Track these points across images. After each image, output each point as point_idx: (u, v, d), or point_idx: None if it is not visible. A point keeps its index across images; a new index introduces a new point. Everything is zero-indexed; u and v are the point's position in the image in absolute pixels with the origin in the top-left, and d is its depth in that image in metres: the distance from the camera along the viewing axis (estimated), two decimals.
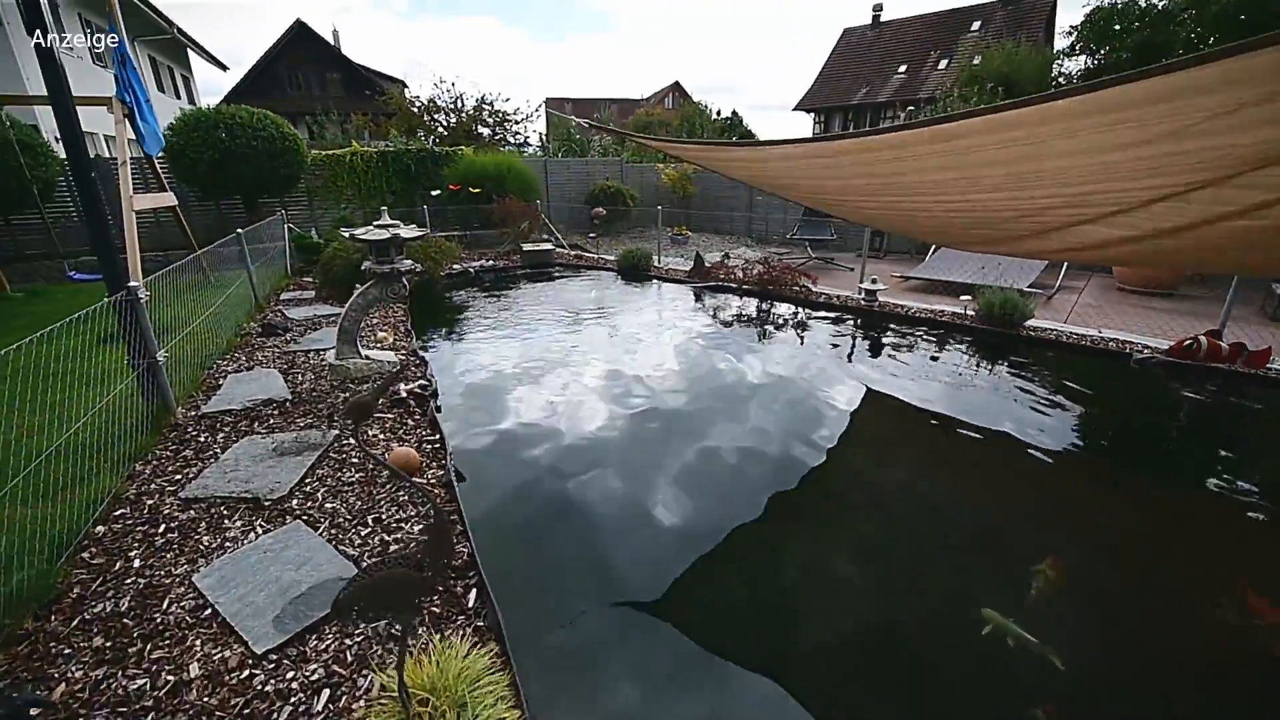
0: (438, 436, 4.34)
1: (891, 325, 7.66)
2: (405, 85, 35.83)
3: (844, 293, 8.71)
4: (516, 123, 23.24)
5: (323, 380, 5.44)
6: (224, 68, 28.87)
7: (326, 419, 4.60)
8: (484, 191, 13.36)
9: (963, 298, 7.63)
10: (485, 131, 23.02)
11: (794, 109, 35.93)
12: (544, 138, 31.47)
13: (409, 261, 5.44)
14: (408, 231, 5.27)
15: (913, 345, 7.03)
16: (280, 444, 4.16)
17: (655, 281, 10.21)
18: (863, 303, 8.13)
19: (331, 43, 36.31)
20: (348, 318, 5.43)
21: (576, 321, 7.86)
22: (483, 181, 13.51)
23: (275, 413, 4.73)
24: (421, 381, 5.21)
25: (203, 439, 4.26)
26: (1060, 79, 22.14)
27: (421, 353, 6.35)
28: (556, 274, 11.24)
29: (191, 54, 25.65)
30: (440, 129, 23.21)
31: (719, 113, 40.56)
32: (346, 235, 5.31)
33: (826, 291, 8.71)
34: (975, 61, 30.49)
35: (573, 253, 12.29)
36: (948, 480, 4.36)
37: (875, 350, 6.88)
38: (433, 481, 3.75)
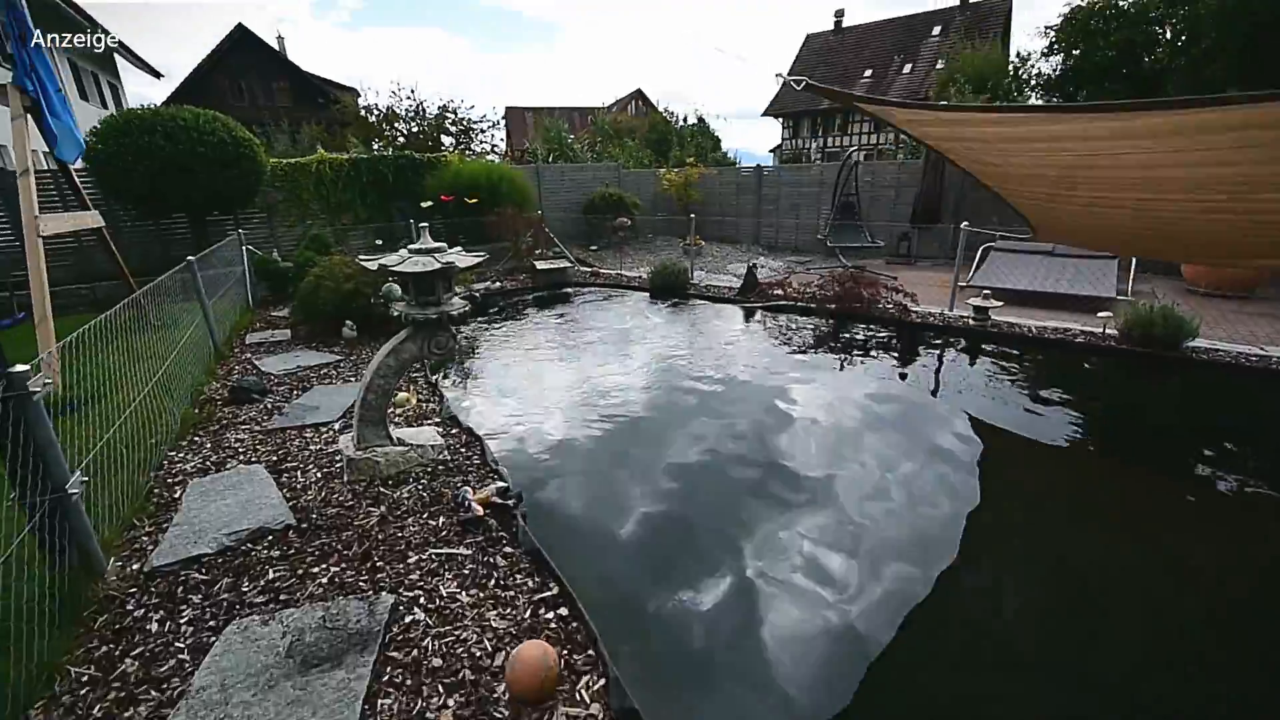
0: (554, 589, 2.63)
1: (1014, 349, 6.30)
2: (359, 94, 33.27)
3: (938, 309, 7.30)
4: (482, 131, 21.41)
5: (339, 482, 3.62)
6: (157, 75, 25.81)
7: (368, 568, 2.81)
8: (480, 203, 11.50)
9: (1100, 314, 6.30)
10: (449, 141, 21.08)
11: (763, 114, 35.05)
12: (509, 148, 29.50)
13: (460, 300, 3.69)
14: (464, 258, 3.53)
15: (1064, 380, 5.67)
16: (298, 636, 2.37)
17: (697, 302, 8.62)
18: (971, 322, 6.76)
19: (277, 49, 33.35)
20: (373, 388, 3.63)
21: (628, 361, 6.18)
22: (474, 191, 11.65)
23: (275, 555, 2.90)
24: (499, 484, 3.44)
25: (152, 632, 2.42)
26: (1031, 80, 21.76)
27: (465, 422, 4.56)
28: (575, 296, 9.51)
29: (120, 61, 22.65)
30: (400, 138, 21.14)
31: (684, 120, 39.45)
32: (370, 264, 3.51)
33: (925, 310, 7.28)
34: (939, 66, 30.32)
35: (588, 270, 10.52)
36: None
37: (1031, 390, 5.45)
38: (592, 697, 2.05)
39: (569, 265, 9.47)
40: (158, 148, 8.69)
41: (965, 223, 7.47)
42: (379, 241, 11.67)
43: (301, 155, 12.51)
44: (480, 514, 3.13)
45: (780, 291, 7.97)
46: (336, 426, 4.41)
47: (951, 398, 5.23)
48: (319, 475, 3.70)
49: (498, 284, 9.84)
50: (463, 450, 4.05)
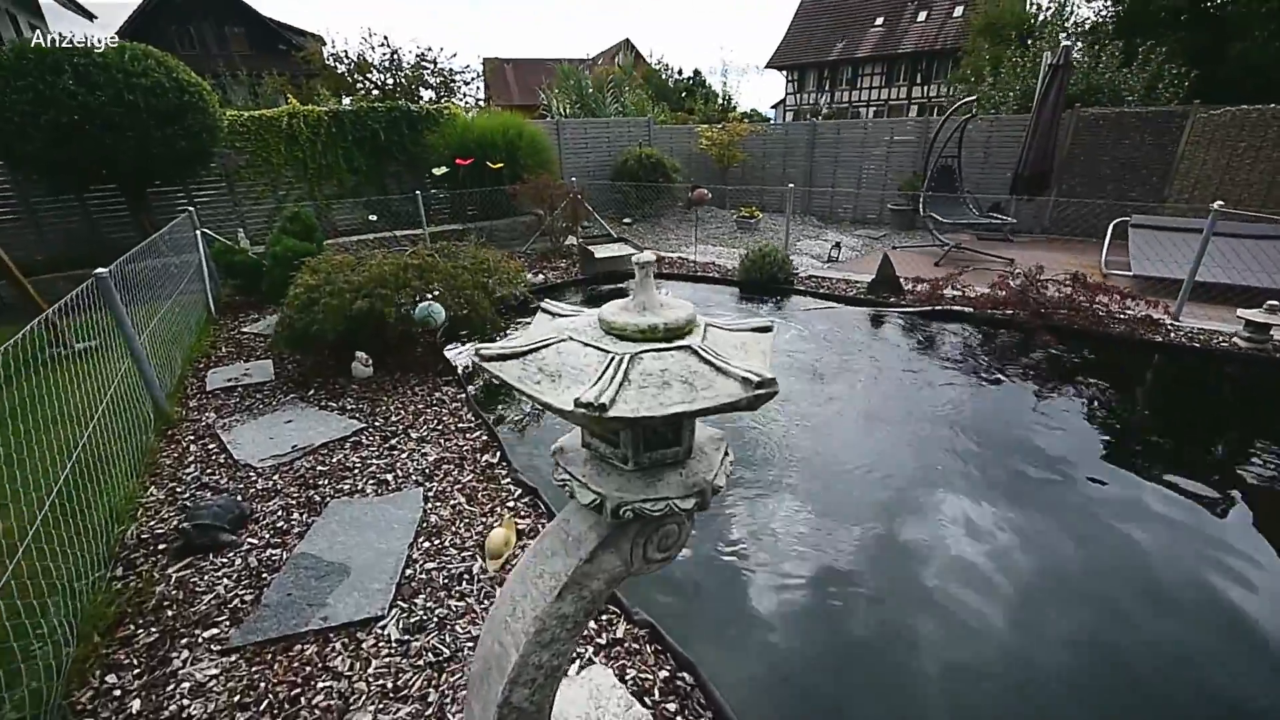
0: None
1: None
2: (324, 41, 29.13)
3: (1206, 325, 5.21)
4: (467, 83, 18.40)
5: None
6: (90, 16, 21.88)
7: None
8: (504, 168, 9.00)
9: None
10: (428, 94, 18.05)
11: (766, 66, 32.04)
12: (490, 104, 26.22)
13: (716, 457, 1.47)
14: (753, 355, 1.30)
15: None
16: None
17: (807, 303, 6.43)
18: (1241, 344, 4.75)
19: None
20: (524, 678, 1.42)
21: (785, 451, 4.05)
22: (489, 152, 9.12)
23: None
24: None
25: None
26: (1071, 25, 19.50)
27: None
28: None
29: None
30: (375, 91, 18.05)
31: (679, 72, 36.09)
32: (546, 398, 1.25)
33: (1189, 324, 5.20)
34: (956, 14, 27.58)
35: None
36: None
37: None
38: None
39: (631, 251, 7.20)
40: (67, 94, 6.03)
41: (1218, 203, 5.35)
42: (373, 217, 9.15)
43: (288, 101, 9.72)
44: None
45: (948, 291, 5.78)
46: (390, 632, 2.22)
47: None
48: None
49: (538, 275, 7.48)
50: None
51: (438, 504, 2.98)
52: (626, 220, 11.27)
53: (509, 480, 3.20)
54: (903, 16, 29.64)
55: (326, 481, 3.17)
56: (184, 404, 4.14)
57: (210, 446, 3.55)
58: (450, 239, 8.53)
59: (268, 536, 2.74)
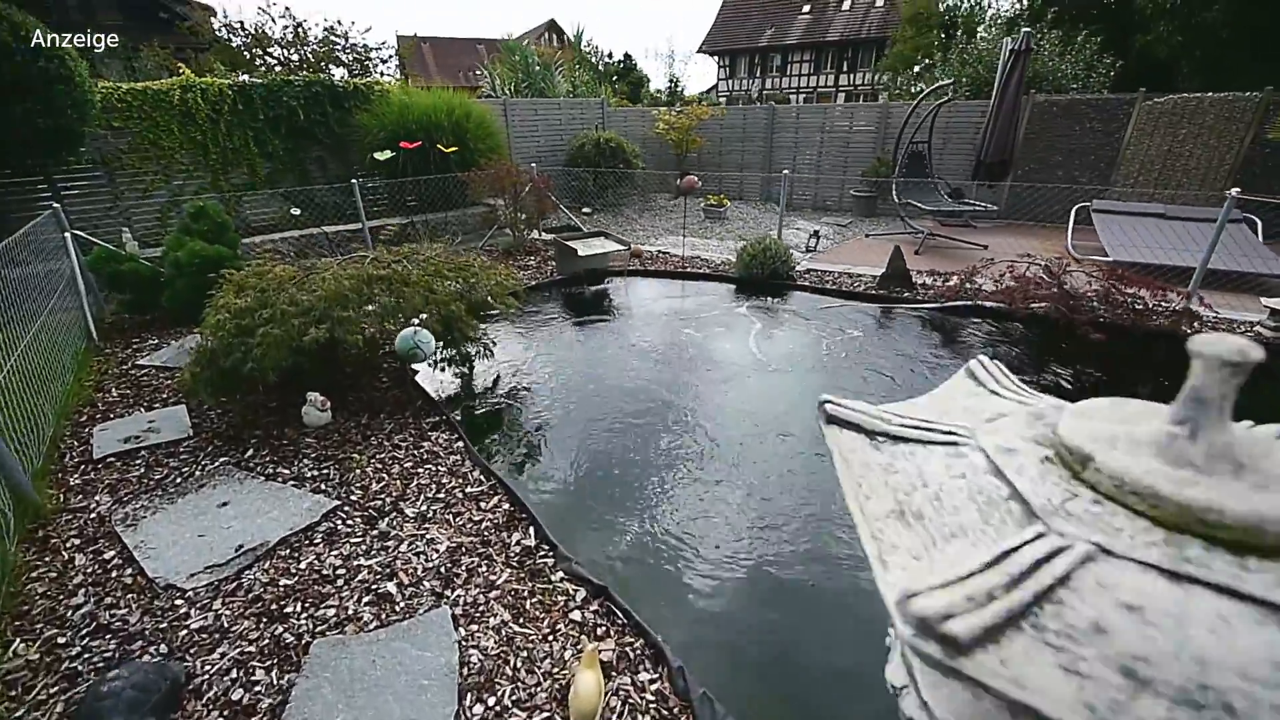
0: None
1: None
2: (214, 11, 25.50)
3: (1233, 315, 4.97)
4: (384, 60, 16.57)
5: None
6: None
7: None
8: (458, 153, 7.80)
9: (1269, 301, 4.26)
10: (341, 73, 16.09)
11: (698, 50, 31.46)
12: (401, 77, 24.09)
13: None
14: None
15: None
16: None
17: (816, 299, 5.84)
18: (1267, 333, 4.58)
19: None
20: None
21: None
22: (435, 134, 7.88)
23: None
24: None
25: None
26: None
27: None
28: (617, 291, 6.39)
29: None
30: (278, 68, 15.87)
31: (610, 55, 34.83)
32: None
33: (1226, 315, 4.92)
34: (879, 3, 28.09)
35: (630, 253, 7.04)
36: None
37: None
38: None
39: (618, 247, 6.27)
40: None
41: (1235, 190, 5.16)
42: (296, 211, 7.71)
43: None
44: None
45: (965, 286, 5.33)
46: None
47: None
48: None
49: None
50: None
51: (475, 628, 2.08)
52: (586, 210, 10.29)
53: (562, 575, 2.33)
54: (829, 5, 29.87)
55: (299, 606, 2.17)
56: (61, 484, 2.92)
57: (107, 555, 2.43)
58: (390, 235, 7.29)
59: None
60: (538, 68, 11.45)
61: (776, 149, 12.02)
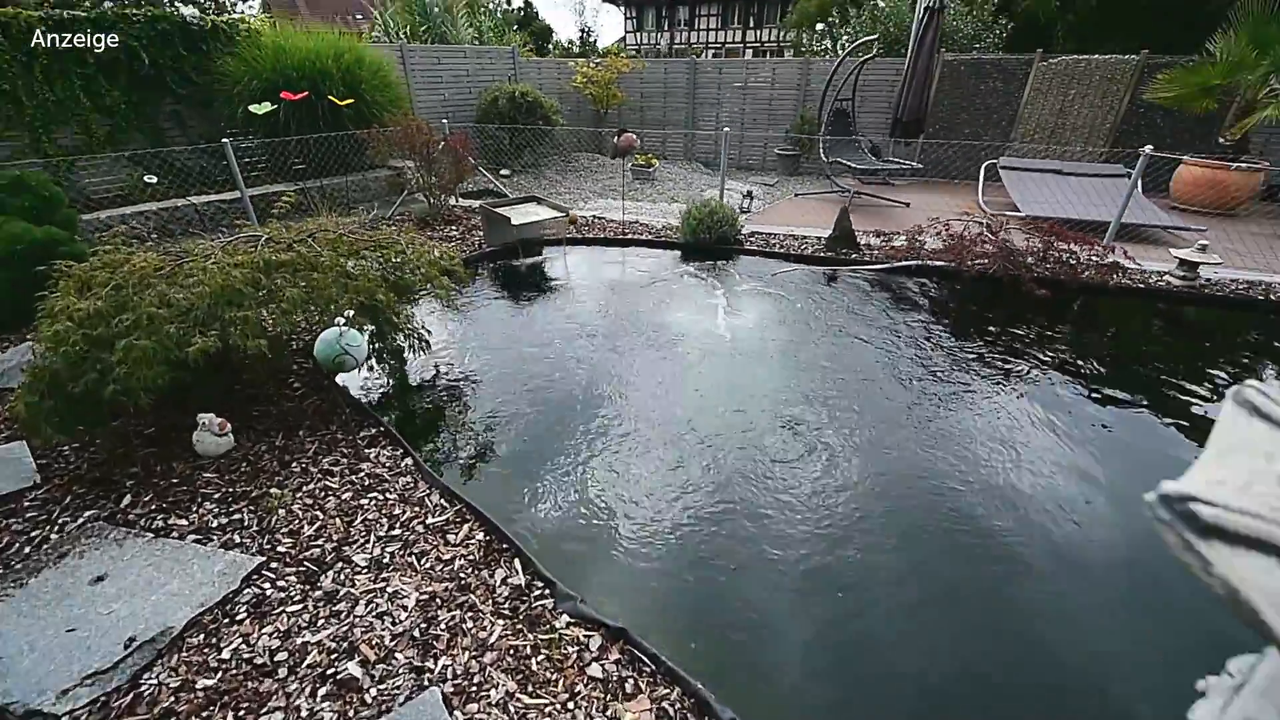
0: None
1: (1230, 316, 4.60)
2: None
3: (1151, 266, 5.14)
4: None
5: None
6: None
7: None
8: (354, 106, 6.69)
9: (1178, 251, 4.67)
10: (191, 11, 13.56)
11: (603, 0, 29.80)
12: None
13: None
14: None
15: None
16: None
17: (770, 263, 5.61)
18: (1174, 282, 4.90)
19: None
20: None
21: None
22: (317, 83, 6.72)
23: None
24: None
25: None
26: None
27: None
28: (556, 261, 5.83)
29: None
30: (106, 3, 13.07)
31: (508, 2, 32.26)
32: None
33: (1138, 265, 5.01)
34: None
35: (566, 219, 6.09)
36: None
37: None
38: None
39: (555, 213, 5.62)
40: None
41: (1148, 147, 5.39)
42: (150, 178, 6.39)
43: None
44: None
45: (912, 247, 5.29)
46: None
47: None
48: None
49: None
50: None
51: (475, 710, 1.65)
52: (505, 173, 9.41)
53: (567, 619, 1.94)
54: None
55: (230, 717, 1.63)
56: None
57: None
58: (285, 208, 6.18)
59: None
60: (437, 8, 10.13)
61: (699, 105, 11.60)
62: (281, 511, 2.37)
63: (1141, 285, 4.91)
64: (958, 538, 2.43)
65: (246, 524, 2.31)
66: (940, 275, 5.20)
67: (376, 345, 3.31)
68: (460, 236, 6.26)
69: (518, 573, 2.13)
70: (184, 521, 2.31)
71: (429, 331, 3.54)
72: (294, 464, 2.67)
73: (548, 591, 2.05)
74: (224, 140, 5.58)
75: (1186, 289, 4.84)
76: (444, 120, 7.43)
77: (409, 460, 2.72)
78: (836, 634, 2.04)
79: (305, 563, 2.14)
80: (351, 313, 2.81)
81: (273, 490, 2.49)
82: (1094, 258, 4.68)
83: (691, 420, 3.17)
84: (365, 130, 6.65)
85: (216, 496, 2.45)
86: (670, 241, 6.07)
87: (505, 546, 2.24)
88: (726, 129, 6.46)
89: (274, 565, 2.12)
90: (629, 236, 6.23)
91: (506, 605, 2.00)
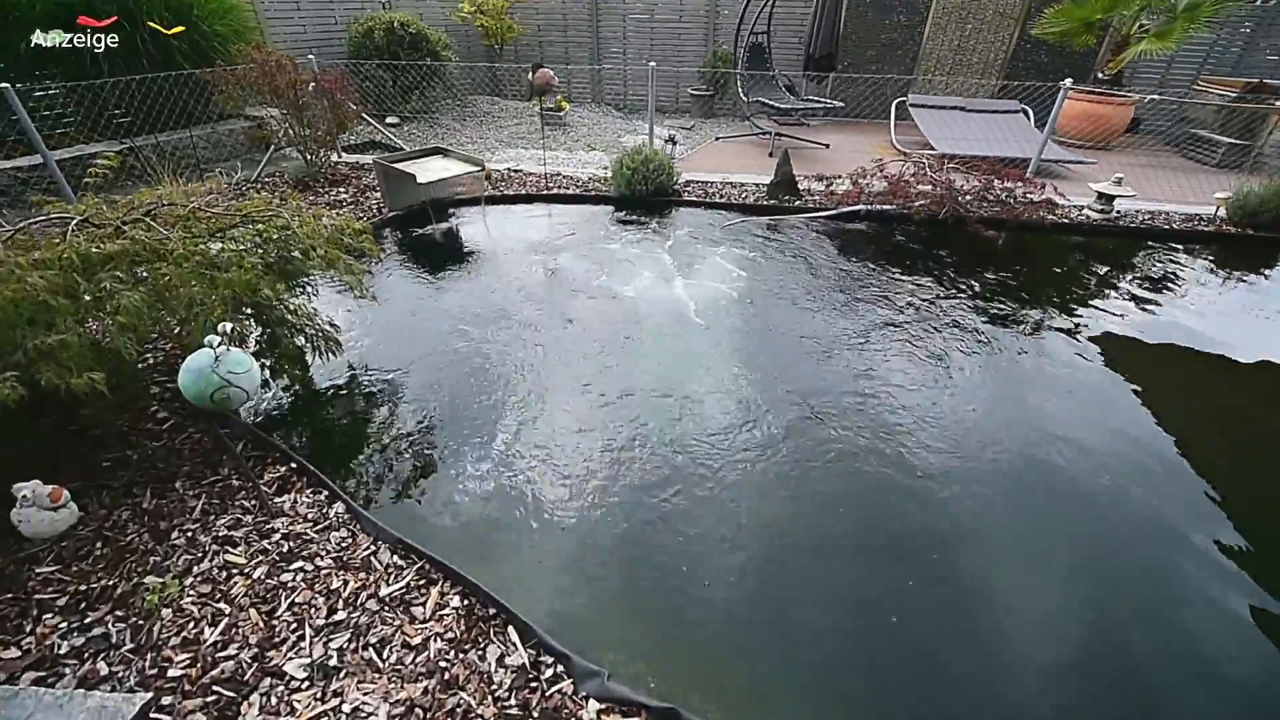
0: None
1: (1147, 245, 4.85)
2: None
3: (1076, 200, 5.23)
4: None
5: None
6: None
7: None
8: (186, 38, 5.25)
9: (1220, 195, 5.00)
10: None
11: None
12: None
13: None
14: None
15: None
16: None
17: (718, 216, 5.16)
18: (1093, 215, 5.05)
19: None
20: None
21: None
22: (130, 4, 5.19)
23: None
24: None
25: None
26: None
27: None
28: (466, 224, 5.04)
29: None
30: None
31: None
32: None
33: (1068, 200, 5.09)
34: None
35: (482, 174, 5.25)
36: None
37: None
38: None
39: (469, 167, 4.71)
40: None
41: (1068, 80, 5.39)
42: None
43: None
44: None
45: (858, 190, 5.03)
46: None
47: None
48: None
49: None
50: None
51: None
52: (391, 120, 8.11)
53: (597, 706, 1.51)
54: None
55: None
56: None
57: None
58: (103, 173, 4.79)
59: None
60: None
61: (604, 41, 10.61)
62: (167, 612, 1.71)
63: (1066, 220, 5.03)
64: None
65: (115, 640, 1.63)
66: (890, 220, 5.02)
67: (270, 359, 2.54)
68: (352, 200, 5.23)
69: (517, 648, 1.65)
70: (11, 653, 1.59)
71: (336, 327, 2.80)
72: (175, 534, 1.96)
73: (562, 669, 1.60)
74: (2, 85, 4.13)
75: (1106, 222, 5.02)
76: (310, 56, 6.10)
77: (339, 506, 2.09)
78: None
79: (215, 689, 1.53)
80: (230, 326, 2.03)
81: (149, 580, 1.80)
82: (1029, 194, 4.68)
83: (686, 420, 2.75)
84: (208, 70, 5.28)
85: (62, 603, 1.72)
86: (602, 195, 5.44)
87: (493, 612, 1.75)
88: (653, 63, 5.79)
89: (168, 702, 1.49)
90: (555, 191, 5.51)
91: (513, 698, 1.53)
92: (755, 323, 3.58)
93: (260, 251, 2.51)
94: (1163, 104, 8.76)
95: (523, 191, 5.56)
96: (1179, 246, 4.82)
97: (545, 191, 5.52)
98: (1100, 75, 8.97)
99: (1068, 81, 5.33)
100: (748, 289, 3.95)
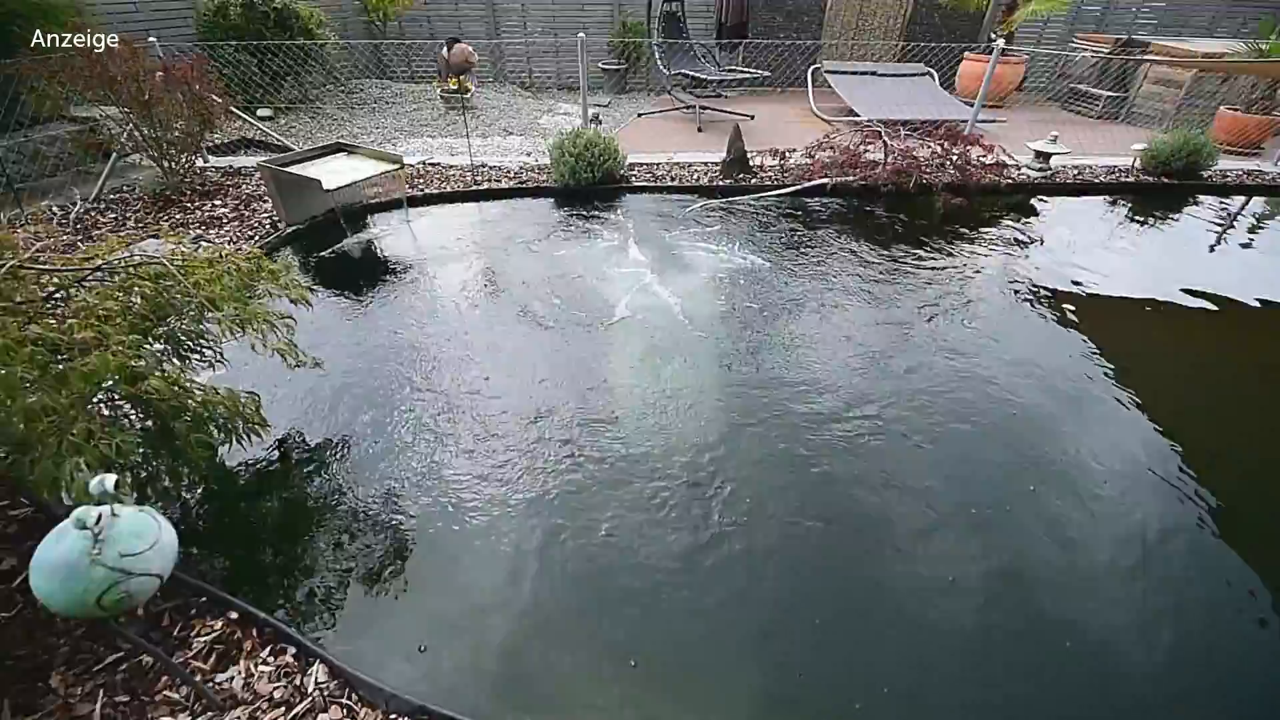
0: None
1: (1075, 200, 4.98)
2: None
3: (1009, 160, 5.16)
4: None
5: None
6: None
7: None
8: None
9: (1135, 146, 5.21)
10: None
11: None
12: None
13: None
14: None
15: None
16: None
17: (651, 201, 4.68)
18: (1033, 174, 5.09)
19: None
20: None
21: None
22: None
23: None
24: None
25: None
26: None
27: None
28: (405, 250, 4.23)
29: None
30: None
31: None
32: None
33: (1017, 161, 4.97)
34: None
35: (401, 171, 4.11)
36: None
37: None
38: None
39: (385, 166, 3.86)
40: None
41: (1000, 40, 5.36)
42: None
43: None
44: None
45: (815, 165, 4.73)
46: None
47: None
48: None
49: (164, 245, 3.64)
50: None
51: None
52: (263, 113, 6.84)
53: None
54: None
55: None
56: None
57: None
58: None
59: None
60: None
61: (500, 13, 9.64)
62: None
63: (1009, 181, 5.05)
64: None
65: None
66: (851, 194, 4.78)
67: (159, 463, 1.81)
68: (234, 215, 4.23)
69: None
70: None
71: (255, 396, 2.08)
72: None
73: None
74: None
75: (1044, 179, 5.09)
76: (151, 39, 4.87)
77: (319, 670, 1.48)
78: None
79: None
80: (113, 479, 1.25)
81: None
82: (983, 158, 4.61)
83: (718, 471, 2.31)
84: (7, 61, 4.01)
85: None
86: (542, 187, 4.79)
87: None
88: (581, 35, 5.11)
89: None
90: (486, 186, 4.79)
91: None
92: (792, 335, 3.18)
93: (129, 315, 1.75)
94: (1050, 60, 9.24)
95: (446, 189, 4.78)
96: (1111, 197, 4.98)
97: (474, 187, 4.78)
98: (993, 36, 9.34)
99: (1000, 42, 5.33)
100: (765, 302, 3.54)
